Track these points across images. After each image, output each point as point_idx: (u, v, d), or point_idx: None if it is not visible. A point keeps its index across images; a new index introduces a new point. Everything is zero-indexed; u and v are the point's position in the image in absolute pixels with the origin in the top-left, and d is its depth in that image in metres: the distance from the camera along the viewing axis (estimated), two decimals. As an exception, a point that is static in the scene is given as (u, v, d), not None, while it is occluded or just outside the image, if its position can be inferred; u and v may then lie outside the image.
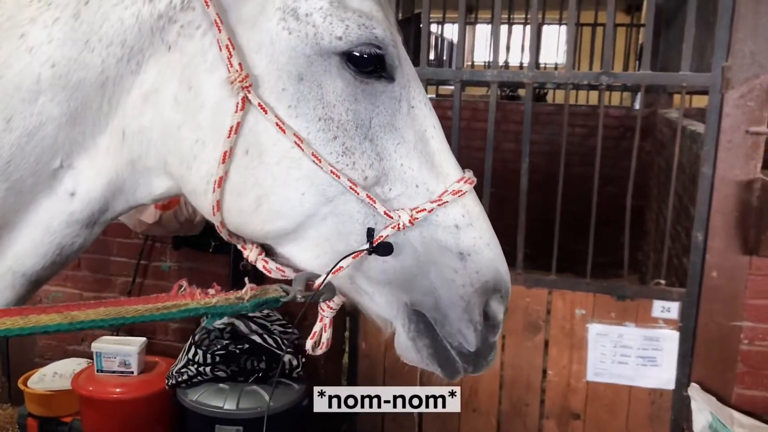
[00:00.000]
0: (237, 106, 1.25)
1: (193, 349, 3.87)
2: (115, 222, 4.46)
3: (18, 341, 4.93)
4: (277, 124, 1.25)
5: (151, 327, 4.59)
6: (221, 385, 3.75)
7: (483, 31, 11.18)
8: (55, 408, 4.28)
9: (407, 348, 1.40)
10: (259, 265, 1.43)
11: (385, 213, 1.29)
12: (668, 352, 3.47)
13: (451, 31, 11.68)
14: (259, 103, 1.25)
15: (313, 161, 1.26)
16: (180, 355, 3.97)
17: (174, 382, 3.80)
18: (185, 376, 3.77)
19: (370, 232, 1.30)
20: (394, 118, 1.32)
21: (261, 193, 1.29)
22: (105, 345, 4.08)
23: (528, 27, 9.31)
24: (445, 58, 11.61)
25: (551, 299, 3.71)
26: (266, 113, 1.25)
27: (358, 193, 1.28)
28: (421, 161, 1.34)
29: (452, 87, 3.80)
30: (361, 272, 1.36)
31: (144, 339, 4.23)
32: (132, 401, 3.95)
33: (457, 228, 1.34)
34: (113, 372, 4.06)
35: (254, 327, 3.89)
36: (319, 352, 1.48)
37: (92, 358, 4.16)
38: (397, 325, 1.40)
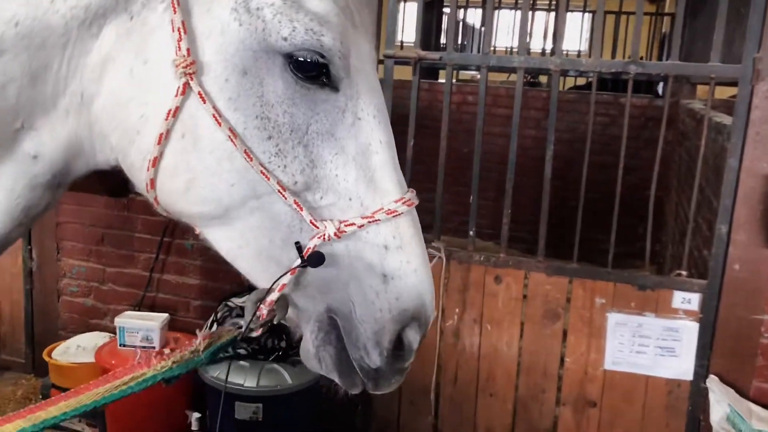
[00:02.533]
0: (178, 90, 1.25)
1: (214, 327, 3.92)
2: (140, 198, 4.49)
3: (42, 314, 5.02)
4: (214, 116, 1.25)
5: (172, 303, 4.66)
6: (242, 362, 3.80)
7: (504, 16, 11.11)
8: (78, 380, 4.33)
9: (309, 356, 1.40)
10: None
11: (311, 222, 1.29)
12: (687, 343, 3.48)
13: (472, 16, 11.61)
14: (199, 92, 1.25)
15: (245, 158, 1.26)
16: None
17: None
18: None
19: (299, 247, 1.30)
20: (334, 128, 1.30)
21: (191, 177, 1.30)
22: (128, 320, 4.14)
23: (551, 14, 9.24)
24: (466, 42, 11.55)
25: (571, 288, 3.72)
26: (205, 103, 1.25)
27: (285, 198, 1.28)
28: (359, 174, 1.31)
29: (471, 72, 3.83)
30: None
31: (166, 315, 4.29)
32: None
33: (385, 249, 1.32)
34: (135, 347, 4.12)
35: (275, 306, 3.93)
36: (255, 334, 1.50)
37: (115, 333, 4.22)
38: (306, 331, 1.40)
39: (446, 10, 9.11)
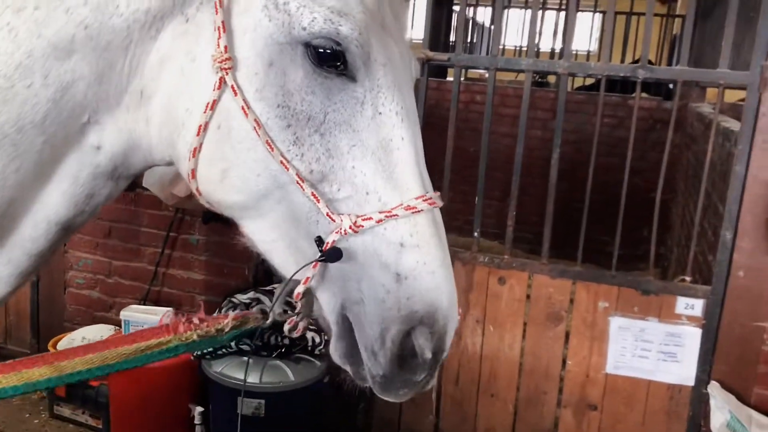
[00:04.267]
0: (215, 85, 1.33)
1: (218, 322, 3.94)
2: (146, 194, 4.50)
3: (48, 305, 5.06)
4: (243, 107, 1.31)
5: (177, 298, 4.69)
6: (245, 358, 3.82)
7: (514, 15, 11.08)
8: (82, 372, 4.38)
9: (332, 347, 1.42)
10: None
11: (327, 214, 1.31)
12: (689, 348, 3.48)
13: (482, 15, 11.58)
14: (232, 85, 1.32)
15: (266, 148, 1.31)
16: (205, 327, 4.04)
17: (199, 353, 3.88)
18: (211, 348, 3.85)
19: (320, 240, 1.32)
20: (352, 119, 1.32)
21: (225, 167, 1.36)
22: (133, 314, 4.18)
23: (561, 13, 9.21)
24: (475, 41, 11.53)
25: (575, 290, 3.73)
26: (236, 95, 1.32)
27: (303, 189, 1.31)
28: (377, 169, 1.31)
29: (480, 71, 3.84)
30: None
31: (171, 309, 4.32)
32: (157, 369, 4.00)
33: (401, 246, 1.30)
34: (140, 340, 4.15)
35: (279, 303, 3.95)
36: (295, 335, 1.54)
37: (120, 326, 4.26)
38: (332, 323, 1.41)
39: (456, 8, 9.08)
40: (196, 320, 1.50)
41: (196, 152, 1.36)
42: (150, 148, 1.45)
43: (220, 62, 1.31)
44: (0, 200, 1.37)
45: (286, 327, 1.52)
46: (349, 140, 1.32)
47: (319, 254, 1.31)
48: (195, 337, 1.46)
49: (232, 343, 3.83)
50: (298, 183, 1.30)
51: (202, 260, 4.58)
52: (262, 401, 3.68)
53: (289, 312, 1.46)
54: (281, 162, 1.30)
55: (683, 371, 3.52)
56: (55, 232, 1.46)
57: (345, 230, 1.30)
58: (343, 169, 1.32)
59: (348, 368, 1.42)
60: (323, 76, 1.31)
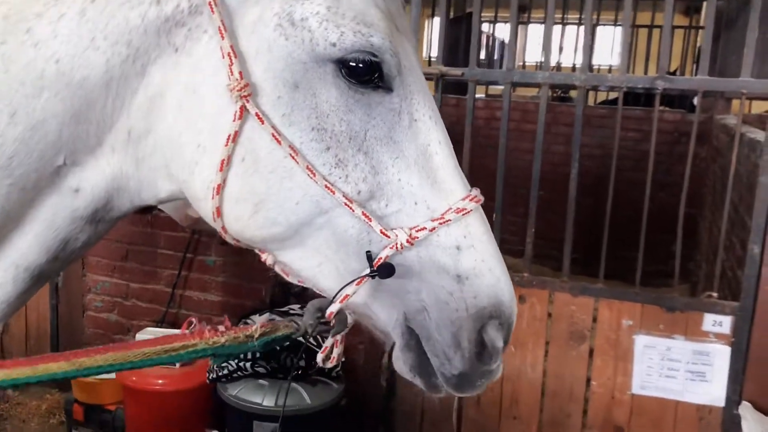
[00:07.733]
0: (235, 115, 1.24)
1: (234, 344, 3.90)
2: (163, 215, 4.49)
3: (67, 328, 5.06)
4: (273, 134, 1.24)
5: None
6: (261, 381, 3.76)
7: (536, 30, 11.03)
8: (100, 396, 4.37)
9: (397, 358, 1.38)
10: (278, 269, 1.43)
11: (381, 231, 1.26)
12: (719, 367, 3.35)
13: (503, 31, 11.54)
14: (256, 113, 1.24)
15: (307, 173, 1.24)
16: (221, 350, 4.00)
17: (214, 376, 3.83)
18: (225, 371, 3.80)
19: (369, 256, 1.27)
20: (392, 131, 1.29)
21: (257, 201, 1.28)
22: (148, 336, 4.14)
23: (581, 27, 9.13)
24: (496, 57, 11.48)
25: (598, 308, 3.62)
26: (263, 123, 1.24)
27: (353, 210, 1.26)
28: (422, 177, 1.29)
29: (502, 87, 3.77)
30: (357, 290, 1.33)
31: (194, 318, 4.28)
32: (173, 393, 4.00)
33: (457, 249, 1.29)
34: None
35: (295, 325, 3.89)
36: (329, 365, 1.47)
37: (137, 349, 4.23)
38: (395, 335, 1.36)
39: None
40: (222, 328, 1.43)
41: (220, 189, 1.28)
42: (139, 189, 1.37)
43: (239, 90, 1.23)
44: None
45: (319, 357, 1.46)
46: (391, 153, 1.28)
47: (369, 269, 1.27)
48: (223, 340, 1.39)
49: (248, 365, 3.79)
50: (346, 205, 1.25)
51: (218, 281, 4.55)
52: (278, 425, 3.62)
53: (321, 325, 1.39)
54: (326, 186, 1.24)
55: (713, 391, 3.38)
56: (23, 279, 1.36)
57: (401, 244, 1.26)
58: (390, 183, 1.28)
59: (418, 380, 1.38)
60: (360, 92, 1.26)
